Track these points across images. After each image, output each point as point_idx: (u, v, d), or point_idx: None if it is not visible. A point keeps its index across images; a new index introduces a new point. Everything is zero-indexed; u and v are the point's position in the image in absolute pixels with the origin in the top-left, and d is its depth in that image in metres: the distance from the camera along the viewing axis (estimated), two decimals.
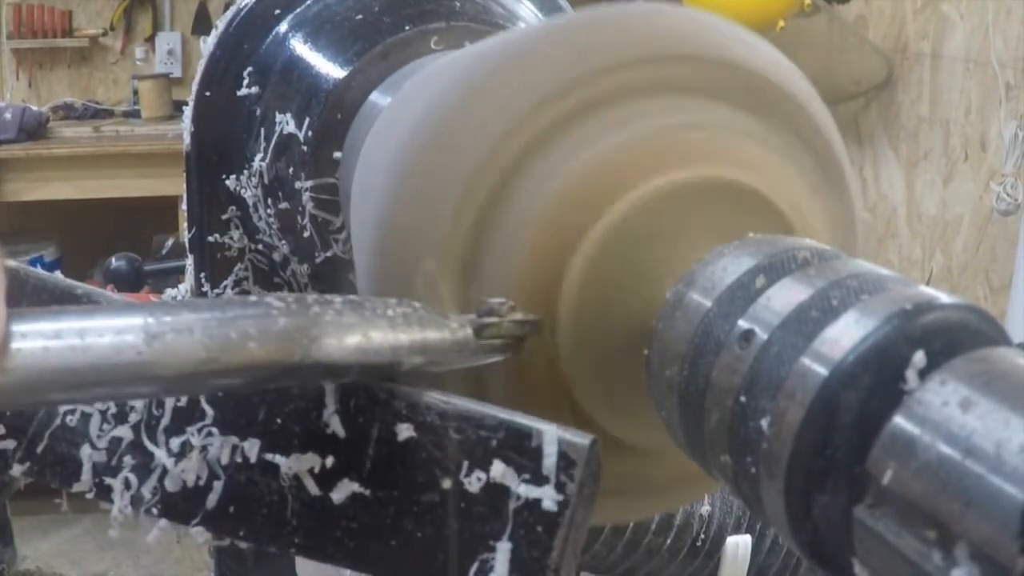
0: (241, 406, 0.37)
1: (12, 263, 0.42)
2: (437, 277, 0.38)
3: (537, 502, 0.33)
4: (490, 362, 0.36)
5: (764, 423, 0.30)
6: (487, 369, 0.38)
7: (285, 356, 0.31)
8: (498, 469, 0.34)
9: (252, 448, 0.37)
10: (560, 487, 0.33)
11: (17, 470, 0.40)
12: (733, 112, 0.39)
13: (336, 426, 0.36)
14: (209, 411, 0.38)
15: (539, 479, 0.33)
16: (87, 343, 0.28)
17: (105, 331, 0.29)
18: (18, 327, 0.28)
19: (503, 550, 0.33)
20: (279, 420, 0.37)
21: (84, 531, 2.64)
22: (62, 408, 0.40)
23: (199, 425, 0.38)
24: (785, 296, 0.31)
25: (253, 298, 0.32)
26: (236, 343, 0.30)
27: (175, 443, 0.38)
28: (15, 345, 0.27)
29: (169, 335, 0.29)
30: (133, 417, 0.39)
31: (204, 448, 0.38)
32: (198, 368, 0.30)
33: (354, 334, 0.33)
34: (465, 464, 0.34)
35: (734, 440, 0.31)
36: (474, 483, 0.34)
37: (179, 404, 0.38)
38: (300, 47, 0.65)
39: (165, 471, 0.38)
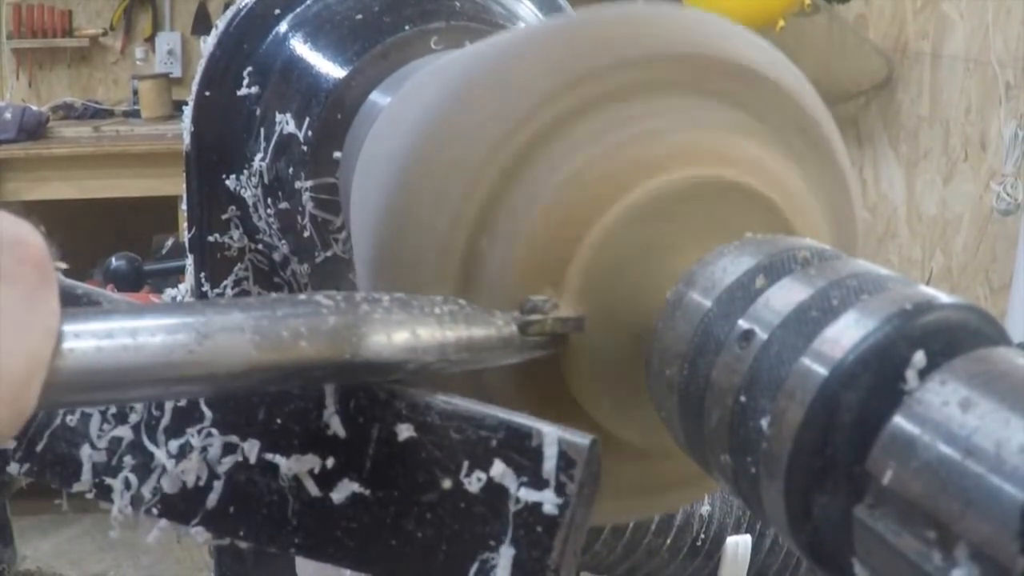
0: (241, 406, 0.37)
1: None
2: (439, 277, 0.38)
3: (537, 505, 0.33)
4: (532, 357, 0.36)
5: (764, 423, 0.30)
6: (489, 369, 0.38)
7: (336, 354, 0.31)
8: (498, 469, 0.34)
9: (252, 449, 0.37)
10: (560, 488, 0.33)
11: (17, 470, 0.40)
12: (733, 112, 0.39)
13: (336, 426, 0.36)
14: (208, 413, 0.38)
15: (539, 481, 0.33)
16: (139, 342, 0.28)
17: (157, 330, 0.29)
18: (70, 327, 0.28)
19: (506, 555, 0.33)
20: (279, 420, 0.37)
21: (84, 531, 2.64)
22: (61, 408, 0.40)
23: (199, 426, 0.38)
24: (785, 296, 0.31)
25: (302, 296, 0.33)
26: (287, 342, 0.30)
27: (174, 445, 0.38)
28: (68, 345, 0.27)
29: (220, 334, 0.30)
30: (133, 417, 0.39)
31: (204, 449, 0.38)
32: (250, 367, 0.30)
33: (403, 331, 0.33)
34: (465, 464, 0.34)
35: (734, 440, 0.31)
36: (474, 483, 0.34)
37: (179, 404, 0.38)
38: (300, 47, 0.65)
39: (165, 471, 0.38)
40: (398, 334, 0.33)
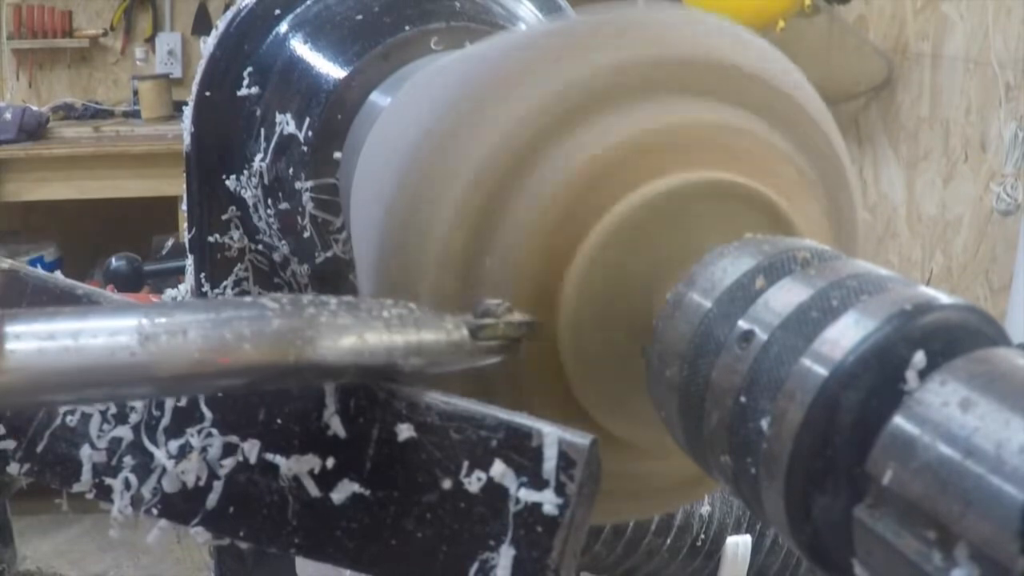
0: (241, 406, 0.37)
1: (12, 263, 0.42)
2: (440, 277, 0.38)
3: (537, 505, 0.33)
4: (487, 364, 0.36)
5: (764, 423, 0.30)
6: (489, 369, 0.38)
7: (280, 357, 0.31)
8: (498, 469, 0.34)
9: (252, 449, 0.37)
10: (560, 488, 0.33)
11: (17, 470, 0.40)
12: (732, 112, 0.39)
13: (336, 427, 0.36)
14: (208, 413, 0.38)
15: (539, 482, 0.33)
16: (81, 344, 0.28)
17: (99, 332, 0.29)
18: (12, 328, 0.28)
19: (506, 555, 0.33)
20: (279, 420, 0.37)
21: (84, 531, 2.64)
22: (62, 408, 0.40)
23: (199, 427, 0.38)
24: (785, 296, 0.31)
25: (248, 299, 0.32)
26: (231, 344, 0.30)
27: (174, 445, 0.38)
28: (9, 346, 0.27)
29: (163, 336, 0.29)
30: (133, 418, 0.39)
31: (204, 449, 0.38)
32: (192, 369, 0.30)
33: (349, 335, 0.32)
34: (465, 464, 0.34)
35: (734, 440, 0.31)
36: (474, 483, 0.34)
37: (179, 405, 0.38)
38: (300, 47, 0.65)
39: (165, 471, 0.38)
40: (344, 338, 0.32)
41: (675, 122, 0.38)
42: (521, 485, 0.33)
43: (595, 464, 0.34)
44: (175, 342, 0.29)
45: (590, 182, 0.37)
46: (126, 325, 0.29)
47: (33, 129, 3.00)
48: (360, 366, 0.33)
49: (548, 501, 0.33)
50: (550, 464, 0.33)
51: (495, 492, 0.34)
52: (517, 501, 0.33)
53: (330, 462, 0.36)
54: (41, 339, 0.28)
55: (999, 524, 0.23)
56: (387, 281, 0.40)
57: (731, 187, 0.37)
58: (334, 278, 0.64)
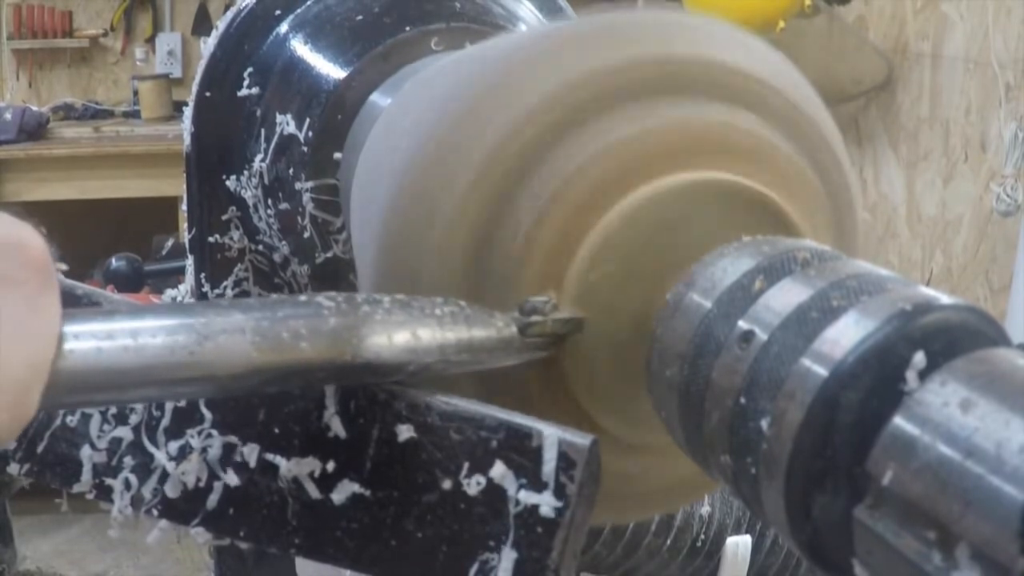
0: (241, 407, 0.37)
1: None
2: (440, 277, 0.38)
3: (537, 505, 0.33)
4: (532, 358, 0.36)
5: (764, 423, 0.30)
6: (488, 370, 0.38)
7: (336, 355, 0.31)
8: (499, 470, 0.34)
9: (252, 453, 0.37)
10: (560, 488, 0.33)
11: (17, 470, 0.40)
12: (733, 113, 0.39)
13: (337, 427, 0.36)
14: (208, 414, 0.38)
15: (539, 482, 0.33)
16: (140, 343, 0.28)
17: (157, 331, 0.29)
18: (71, 327, 0.28)
19: (506, 555, 0.33)
20: (279, 421, 0.37)
21: (84, 531, 2.64)
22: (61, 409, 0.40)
23: (199, 428, 0.38)
24: (785, 297, 0.31)
25: (303, 298, 0.33)
26: (288, 343, 0.31)
27: (174, 446, 0.38)
28: (68, 346, 0.27)
29: (221, 335, 0.30)
30: (133, 419, 0.39)
31: (204, 450, 0.38)
32: (250, 368, 0.30)
33: (403, 332, 0.33)
34: (466, 465, 0.34)
35: (734, 440, 0.31)
36: (473, 486, 0.34)
37: (179, 405, 0.38)
38: (301, 48, 0.65)
39: (165, 472, 0.38)
40: (398, 335, 0.33)
41: (675, 123, 0.38)
42: (521, 486, 0.33)
43: (595, 464, 0.34)
44: (233, 341, 0.30)
45: (590, 183, 0.37)
46: (184, 324, 0.29)
47: (33, 129, 3.00)
48: (416, 363, 0.33)
49: (548, 501, 0.33)
50: (550, 464, 0.33)
51: (495, 492, 0.34)
52: (517, 502, 0.33)
53: (330, 463, 0.36)
54: (100, 339, 0.28)
55: (999, 524, 0.23)
56: (389, 282, 0.40)
57: (731, 187, 0.37)
58: (334, 278, 0.64)
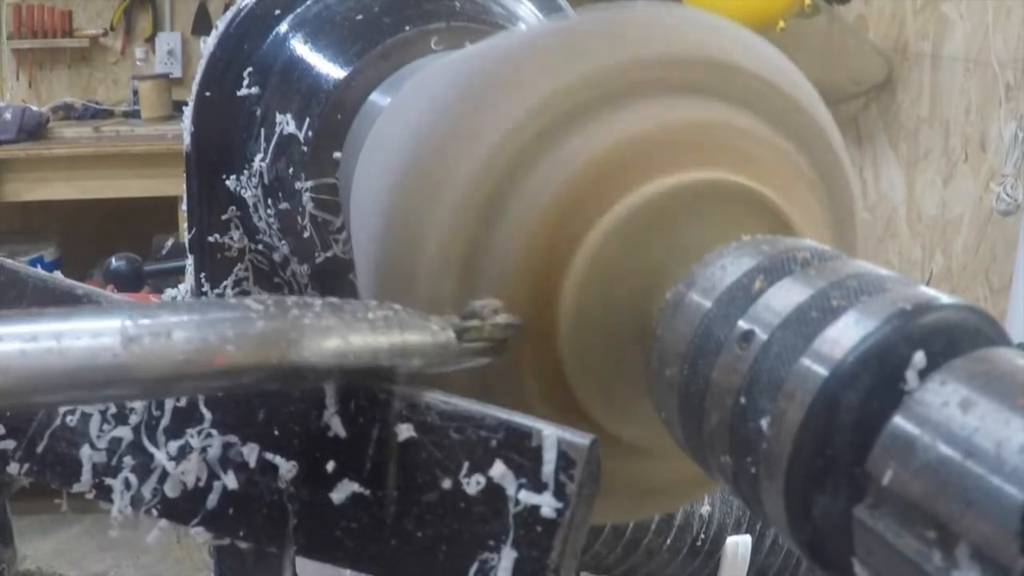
0: (241, 407, 0.37)
1: (12, 263, 0.42)
2: (439, 278, 0.38)
3: (537, 505, 0.33)
4: (474, 365, 0.36)
5: (764, 423, 0.30)
6: (488, 369, 0.38)
7: (263, 359, 0.31)
8: (498, 470, 0.34)
9: (251, 454, 0.37)
10: (560, 488, 0.33)
11: (17, 470, 0.40)
12: (733, 113, 0.39)
13: (337, 427, 0.36)
14: (208, 414, 0.38)
15: (538, 482, 0.33)
16: (63, 346, 0.28)
17: (82, 334, 0.28)
18: None
19: (506, 555, 0.33)
20: (279, 421, 0.37)
21: (84, 531, 2.64)
22: (62, 408, 0.40)
23: (198, 428, 0.38)
24: (785, 296, 0.31)
25: (234, 300, 0.32)
26: (214, 346, 0.30)
27: (173, 447, 0.38)
28: None
29: (146, 338, 0.29)
30: (133, 419, 0.39)
31: (204, 450, 0.38)
32: (176, 371, 0.29)
33: (333, 337, 0.32)
34: (466, 465, 0.34)
35: (734, 440, 0.31)
36: (473, 486, 0.34)
37: (179, 405, 0.38)
38: (300, 47, 0.65)
39: (165, 473, 0.38)
40: (328, 340, 0.32)
41: (675, 122, 0.38)
42: (521, 486, 0.33)
43: (595, 464, 0.34)
44: (158, 344, 0.29)
45: (589, 182, 0.37)
46: (109, 326, 0.29)
47: (33, 129, 3.00)
48: (344, 368, 0.33)
49: (547, 501, 0.33)
50: (549, 464, 0.33)
51: (495, 492, 0.34)
52: (517, 502, 0.33)
53: (330, 462, 0.36)
54: (24, 340, 0.28)
55: (999, 524, 0.23)
56: (386, 281, 0.40)
57: (731, 187, 0.37)
58: (334, 278, 0.64)
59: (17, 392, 0.28)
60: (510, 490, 0.34)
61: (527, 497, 0.33)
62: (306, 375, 0.32)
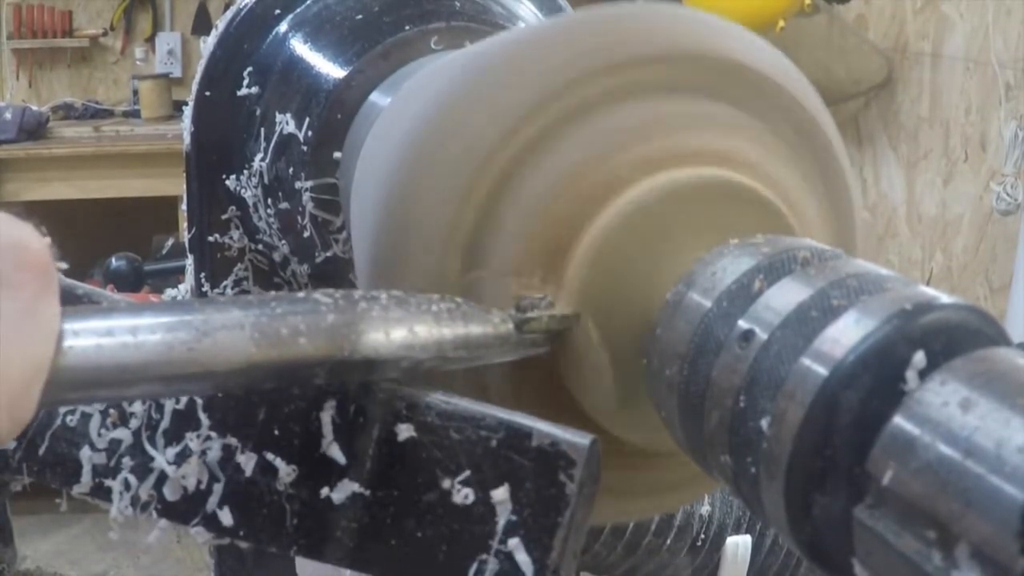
0: (241, 407, 0.37)
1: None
2: (439, 275, 0.38)
3: (537, 506, 0.33)
4: (532, 354, 0.37)
5: (764, 423, 0.30)
6: (488, 368, 0.38)
7: (334, 351, 0.32)
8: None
9: (249, 462, 0.37)
10: (560, 489, 0.33)
11: (17, 470, 0.40)
12: (733, 111, 0.39)
13: (328, 433, 0.36)
14: (207, 416, 0.38)
15: (538, 483, 0.33)
16: (139, 340, 0.29)
17: (156, 328, 0.29)
18: (71, 325, 0.28)
19: (506, 555, 0.33)
20: (279, 421, 0.37)
21: (84, 531, 2.64)
22: (62, 408, 0.40)
23: (197, 432, 0.38)
24: (785, 296, 0.31)
25: (301, 295, 0.33)
26: (286, 339, 0.31)
27: (172, 452, 0.38)
28: (68, 343, 0.27)
29: (220, 332, 0.30)
30: (133, 423, 0.39)
31: (203, 452, 0.38)
32: (249, 364, 0.30)
33: (400, 328, 0.33)
34: (465, 474, 0.34)
35: (734, 440, 0.31)
36: (471, 496, 0.34)
37: (178, 408, 0.38)
38: (300, 47, 0.65)
39: (165, 474, 0.38)
40: (396, 331, 0.33)
41: (675, 121, 0.38)
42: (521, 486, 0.33)
43: (595, 464, 0.34)
44: (232, 337, 0.30)
45: (590, 180, 0.37)
46: (183, 320, 0.29)
47: (33, 129, 3.00)
48: (412, 359, 0.33)
49: (547, 501, 0.33)
50: (550, 464, 0.33)
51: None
52: (516, 502, 0.33)
53: (330, 463, 0.36)
54: (100, 335, 0.28)
55: (999, 524, 0.23)
56: (386, 280, 0.40)
57: (731, 186, 0.37)
58: (334, 278, 0.64)
59: (94, 385, 0.28)
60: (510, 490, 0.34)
61: (527, 495, 0.33)
62: (375, 366, 0.33)
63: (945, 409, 0.26)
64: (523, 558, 0.33)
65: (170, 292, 0.80)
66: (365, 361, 0.32)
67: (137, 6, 3.45)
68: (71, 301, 0.41)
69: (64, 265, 0.35)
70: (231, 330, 0.30)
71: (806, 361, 0.29)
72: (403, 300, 0.34)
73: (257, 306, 0.31)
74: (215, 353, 0.30)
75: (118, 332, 0.28)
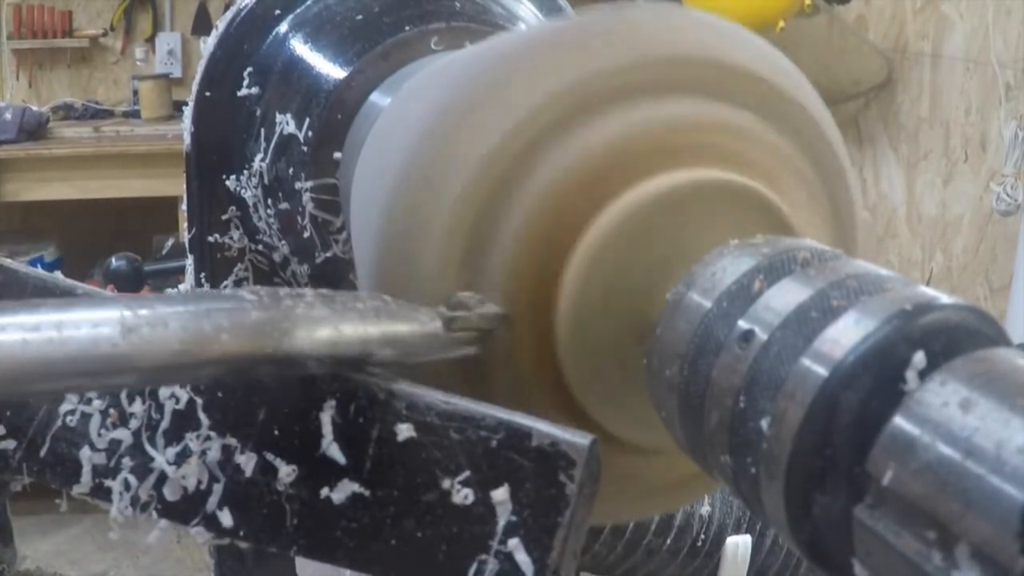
0: (241, 407, 0.38)
1: (12, 263, 0.42)
2: (438, 279, 0.38)
3: (537, 506, 0.33)
4: (458, 355, 0.37)
5: (764, 423, 0.30)
6: (488, 368, 0.38)
7: (257, 348, 0.32)
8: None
9: (249, 463, 0.37)
10: (560, 489, 0.33)
11: (17, 470, 0.40)
12: (733, 112, 0.39)
13: (328, 432, 0.36)
14: (206, 417, 0.38)
15: (538, 483, 0.33)
16: (64, 336, 0.29)
17: (82, 324, 0.29)
18: None
19: (505, 556, 0.33)
20: (279, 421, 0.37)
21: (84, 531, 2.64)
22: (63, 409, 0.40)
23: (198, 432, 0.38)
24: (785, 296, 0.31)
25: (228, 291, 0.33)
26: (209, 335, 0.31)
27: (172, 452, 0.38)
28: None
29: (145, 328, 0.30)
30: (133, 423, 0.39)
31: (203, 452, 0.38)
32: (173, 360, 0.30)
33: (325, 327, 0.33)
34: (464, 474, 0.34)
35: (734, 440, 0.31)
36: (470, 497, 0.34)
37: (178, 408, 0.38)
38: (300, 47, 0.65)
39: (165, 475, 0.38)
40: (320, 330, 0.33)
41: (675, 121, 0.38)
42: (520, 487, 0.34)
43: (595, 464, 0.34)
44: (156, 334, 0.30)
45: (588, 182, 0.37)
46: (109, 317, 0.30)
47: (33, 129, 3.00)
48: (335, 356, 0.34)
49: (547, 502, 0.33)
50: (550, 464, 0.33)
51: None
52: (516, 502, 0.33)
53: (329, 463, 0.36)
54: (26, 330, 0.28)
55: (999, 524, 0.23)
56: (387, 280, 0.40)
57: (731, 187, 0.37)
58: (334, 278, 0.64)
59: (20, 381, 0.28)
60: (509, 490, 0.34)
61: (527, 495, 0.33)
62: (298, 363, 0.33)
63: (945, 409, 0.26)
64: (523, 558, 0.33)
65: (170, 292, 0.80)
66: (288, 358, 0.32)
67: (137, 6, 3.45)
68: None
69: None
70: (155, 327, 0.30)
71: (806, 361, 0.29)
72: (329, 298, 0.34)
73: (183, 302, 0.31)
74: (139, 349, 0.30)
75: (44, 327, 0.29)
